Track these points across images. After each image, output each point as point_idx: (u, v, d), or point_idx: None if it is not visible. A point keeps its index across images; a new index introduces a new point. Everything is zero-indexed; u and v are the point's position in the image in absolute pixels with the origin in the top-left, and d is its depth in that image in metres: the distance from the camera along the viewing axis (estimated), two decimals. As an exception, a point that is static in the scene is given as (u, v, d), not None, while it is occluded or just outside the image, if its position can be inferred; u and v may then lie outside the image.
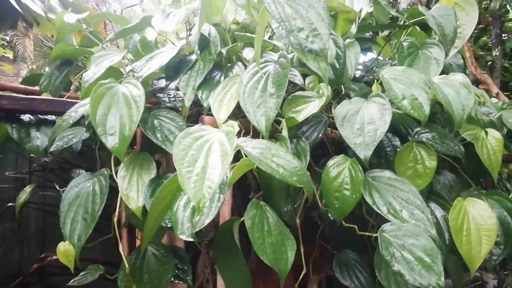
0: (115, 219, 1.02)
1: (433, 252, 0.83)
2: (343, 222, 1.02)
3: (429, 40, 1.34)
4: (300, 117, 1.03)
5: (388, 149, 1.16)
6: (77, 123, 1.19)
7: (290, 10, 0.97)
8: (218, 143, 0.77)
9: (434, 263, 0.81)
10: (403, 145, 1.12)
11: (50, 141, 1.18)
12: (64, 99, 1.42)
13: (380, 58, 1.83)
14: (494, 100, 1.99)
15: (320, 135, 1.17)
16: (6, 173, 2.03)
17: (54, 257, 1.42)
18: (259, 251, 0.81)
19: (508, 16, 2.88)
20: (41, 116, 1.42)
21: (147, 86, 1.27)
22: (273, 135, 1.09)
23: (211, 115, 1.07)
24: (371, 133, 0.98)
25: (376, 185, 1.01)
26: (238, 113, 1.18)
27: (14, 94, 1.57)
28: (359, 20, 1.41)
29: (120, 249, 1.00)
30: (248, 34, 1.20)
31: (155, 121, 1.13)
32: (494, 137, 1.18)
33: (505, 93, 3.03)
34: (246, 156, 0.83)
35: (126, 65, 1.38)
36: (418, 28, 1.53)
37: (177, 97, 1.23)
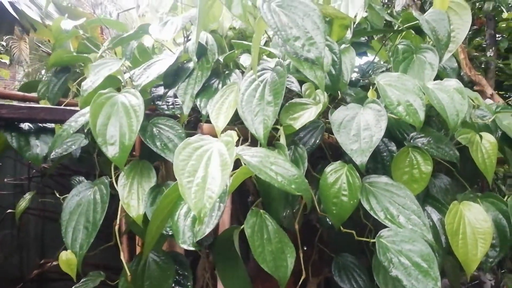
0: (116, 227, 1.03)
1: (429, 257, 0.84)
2: (341, 228, 1.04)
3: (423, 45, 1.36)
4: (298, 125, 1.05)
5: (385, 154, 1.18)
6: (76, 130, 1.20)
7: (286, 19, 0.98)
8: (218, 153, 0.78)
9: (431, 268, 0.83)
10: (399, 150, 1.14)
11: (50, 151, 1.19)
12: (63, 107, 1.43)
13: (376, 60, 1.85)
14: (488, 101, 2.01)
15: (318, 141, 1.19)
16: (5, 179, 2.03)
17: (54, 262, 1.43)
18: (259, 259, 0.83)
19: (501, 16, 2.91)
20: (40, 124, 1.43)
21: (146, 93, 1.28)
22: (271, 141, 1.11)
23: (210, 121, 1.09)
24: (367, 139, 1.00)
25: (373, 190, 1.02)
26: (236, 120, 1.20)
27: (13, 103, 1.58)
28: (354, 25, 1.43)
29: (122, 257, 1.01)
30: (244, 42, 1.22)
31: (154, 129, 1.15)
32: (488, 141, 1.20)
33: (500, 92, 3.07)
34: (245, 164, 0.84)
35: (124, 73, 1.39)
36: (413, 32, 1.55)
37: (176, 105, 1.24)
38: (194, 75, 1.19)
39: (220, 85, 1.20)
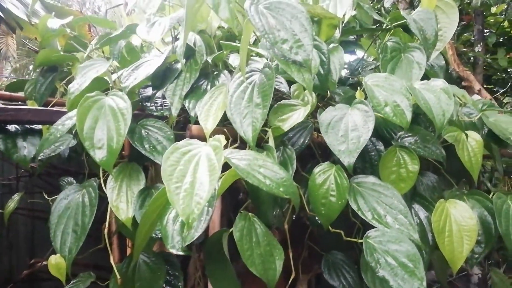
0: (106, 231, 1.03)
1: (415, 257, 0.86)
2: (330, 228, 1.05)
3: (411, 43, 1.37)
4: (286, 126, 1.06)
5: (373, 153, 1.19)
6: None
7: (273, 21, 0.98)
8: (206, 158, 0.78)
9: (417, 268, 0.85)
10: (386, 150, 1.15)
11: (37, 154, 1.18)
12: (50, 108, 1.42)
13: (366, 56, 1.85)
14: (476, 97, 2.04)
15: (306, 141, 1.19)
16: (-7, 179, 2.01)
17: (44, 262, 1.42)
18: (248, 262, 0.84)
19: (490, 11, 2.93)
20: (27, 126, 1.41)
21: (134, 95, 1.28)
22: (260, 143, 1.11)
23: (199, 123, 1.09)
24: (355, 140, 1.01)
25: (361, 190, 1.03)
26: (225, 120, 1.20)
27: (0, 103, 1.56)
28: (343, 24, 1.43)
29: (111, 260, 1.01)
30: (233, 43, 1.21)
31: (143, 131, 1.14)
32: (474, 139, 1.22)
33: (488, 86, 3.10)
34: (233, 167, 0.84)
35: (112, 73, 1.38)
36: (401, 29, 1.56)
37: (164, 106, 1.24)
38: (183, 76, 1.18)
39: (209, 86, 1.20)
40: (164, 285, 1.17)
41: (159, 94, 1.25)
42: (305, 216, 1.48)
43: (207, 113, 1.08)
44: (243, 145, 1.09)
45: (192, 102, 1.16)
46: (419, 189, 1.26)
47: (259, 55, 1.29)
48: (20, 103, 1.68)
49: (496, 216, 1.13)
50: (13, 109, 1.33)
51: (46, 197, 1.42)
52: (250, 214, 0.92)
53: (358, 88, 1.18)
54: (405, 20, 1.35)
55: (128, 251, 1.40)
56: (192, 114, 1.14)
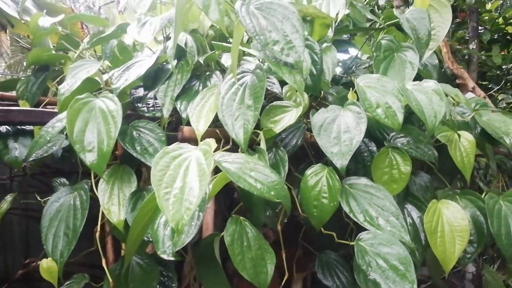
0: (97, 234, 1.02)
1: (406, 260, 0.86)
2: (322, 229, 1.05)
3: (404, 43, 1.36)
4: (278, 128, 1.05)
5: (365, 154, 1.19)
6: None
7: (265, 22, 0.98)
8: (196, 163, 0.78)
9: (408, 271, 0.85)
10: (379, 151, 1.15)
11: (28, 156, 1.17)
12: (41, 109, 1.41)
13: (360, 55, 1.85)
14: (470, 94, 2.04)
15: (299, 141, 1.19)
16: (-14, 179, 2.00)
17: (39, 262, 1.42)
18: (239, 267, 0.83)
19: (485, 8, 2.93)
20: (18, 127, 1.40)
21: (125, 95, 1.27)
22: (252, 144, 1.11)
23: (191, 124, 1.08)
24: (347, 142, 1.01)
25: (353, 192, 1.03)
26: (218, 121, 1.19)
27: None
28: (336, 23, 1.43)
29: (103, 264, 1.01)
30: (224, 44, 1.20)
31: (134, 133, 1.13)
32: (467, 139, 1.22)
33: (483, 83, 3.11)
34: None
35: (104, 73, 1.36)
36: (395, 28, 1.56)
37: (156, 107, 1.23)
38: (174, 77, 1.18)
39: (200, 87, 1.19)
40: (158, 286, 1.17)
41: (151, 94, 1.25)
42: (299, 215, 1.48)
43: (198, 115, 1.07)
44: (235, 146, 1.08)
45: (183, 103, 1.15)
46: (412, 189, 1.26)
47: (252, 54, 1.28)
48: (12, 102, 1.67)
49: (488, 216, 1.13)
50: (4, 110, 1.32)
51: (39, 198, 1.41)
52: (241, 218, 0.92)
53: (351, 89, 1.17)
54: (399, 19, 1.35)
55: (123, 252, 1.40)
56: (183, 115, 1.13)
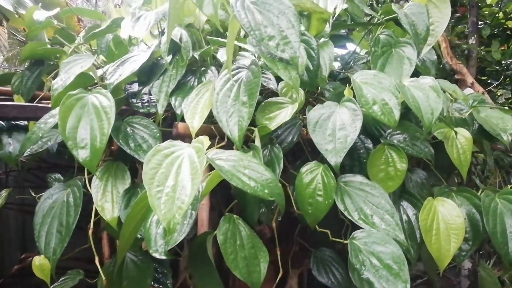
0: (90, 231, 1.02)
1: (400, 259, 0.86)
2: (317, 227, 1.05)
3: (402, 39, 1.35)
4: (273, 125, 1.04)
5: (361, 151, 1.18)
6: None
7: (260, 17, 0.96)
8: (188, 160, 0.77)
9: (401, 270, 0.84)
10: (375, 148, 1.14)
11: (21, 152, 1.16)
12: (35, 104, 1.39)
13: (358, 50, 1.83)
14: (468, 90, 2.03)
15: (295, 138, 1.18)
16: (-18, 174, 1.99)
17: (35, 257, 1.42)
18: (231, 266, 0.83)
19: (485, 2, 2.90)
20: (12, 122, 1.39)
21: (120, 91, 1.25)
22: (248, 141, 1.10)
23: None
24: (342, 140, 1.00)
25: (348, 190, 1.03)
26: (213, 117, 1.18)
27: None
28: (334, 18, 1.41)
29: (96, 262, 1.00)
30: (220, 39, 1.19)
31: (128, 129, 1.12)
32: (464, 136, 1.21)
33: (482, 78, 3.09)
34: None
35: (98, 68, 1.35)
36: (393, 23, 1.54)
37: (151, 102, 1.21)
38: (169, 72, 1.16)
39: (195, 83, 1.18)
40: (152, 283, 1.16)
41: (146, 90, 1.23)
42: (295, 212, 1.47)
43: (193, 111, 1.06)
44: (230, 143, 1.07)
45: (178, 99, 1.14)
46: (408, 186, 1.25)
47: (248, 49, 1.27)
48: (7, 97, 1.66)
49: (483, 214, 1.13)
50: (-3, 105, 1.31)
51: (33, 194, 1.40)
52: (234, 216, 0.91)
53: (347, 85, 1.16)
54: (397, 14, 1.33)
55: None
56: (178, 111, 1.12)
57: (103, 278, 0.97)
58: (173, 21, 0.99)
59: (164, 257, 0.87)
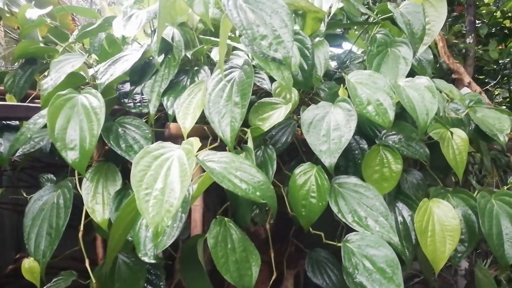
0: (80, 234, 1.00)
1: (394, 263, 0.85)
2: (311, 229, 1.03)
3: (397, 38, 1.33)
4: (266, 126, 1.03)
5: (356, 152, 1.17)
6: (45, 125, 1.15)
7: (253, 16, 0.94)
8: (178, 162, 0.75)
9: (395, 274, 0.83)
10: (370, 149, 1.13)
11: (9, 152, 1.14)
12: (26, 104, 1.38)
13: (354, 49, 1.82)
14: (465, 90, 2.02)
15: (289, 139, 1.17)
16: (-25, 174, 1.97)
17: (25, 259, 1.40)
18: (222, 270, 0.81)
19: (483, 1, 2.89)
20: (3, 122, 1.37)
21: (112, 90, 1.23)
22: (241, 142, 1.08)
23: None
24: (336, 140, 0.98)
25: (342, 191, 1.01)
26: (206, 117, 1.16)
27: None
28: (329, 17, 1.39)
29: (87, 264, 0.99)
30: (212, 38, 1.17)
31: (120, 129, 1.11)
32: (459, 137, 1.20)
33: (479, 77, 3.08)
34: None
35: (91, 67, 1.33)
36: (390, 22, 1.52)
37: (143, 102, 1.20)
38: (161, 72, 1.14)
39: (188, 83, 1.16)
40: (145, 284, 1.15)
41: (138, 90, 1.21)
42: (290, 213, 1.46)
43: (185, 111, 1.04)
44: (223, 144, 1.06)
45: (170, 99, 1.12)
46: (404, 187, 1.24)
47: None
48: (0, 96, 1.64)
49: (479, 216, 1.11)
50: (-13, 105, 1.29)
51: (25, 194, 1.39)
52: (226, 219, 0.90)
53: (342, 85, 1.15)
54: (393, 13, 1.32)
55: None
56: (170, 112, 1.10)
57: (93, 281, 0.95)
58: (164, 20, 0.97)
59: (153, 261, 0.85)
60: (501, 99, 3.43)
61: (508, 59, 2.86)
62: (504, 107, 3.12)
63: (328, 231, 1.12)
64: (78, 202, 1.09)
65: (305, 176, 1.01)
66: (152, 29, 1.24)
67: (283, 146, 1.17)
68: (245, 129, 1.02)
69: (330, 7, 1.37)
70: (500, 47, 2.88)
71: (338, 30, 1.68)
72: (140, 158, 0.76)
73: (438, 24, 1.39)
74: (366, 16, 1.73)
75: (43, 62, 1.72)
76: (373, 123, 1.20)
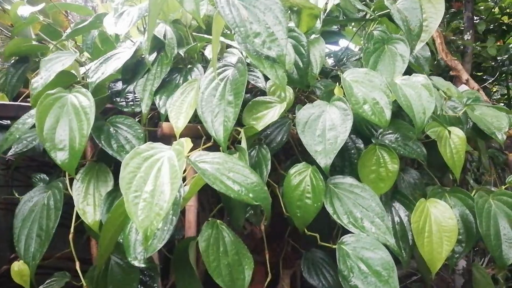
0: (71, 236, 0.98)
1: (389, 266, 0.83)
2: (306, 230, 1.02)
3: (394, 35, 1.31)
4: (260, 125, 1.01)
5: (352, 151, 1.15)
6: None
7: (246, 12, 0.92)
8: (168, 164, 0.73)
9: (390, 277, 0.82)
10: (366, 148, 1.11)
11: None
12: (18, 103, 1.35)
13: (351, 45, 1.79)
14: (463, 87, 2.00)
15: (285, 138, 1.15)
16: (-31, 173, 1.94)
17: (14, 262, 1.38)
18: (214, 274, 0.80)
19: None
20: (-6, 121, 1.35)
21: (103, 89, 1.21)
22: (235, 141, 1.06)
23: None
24: (332, 140, 0.96)
25: (338, 192, 1.00)
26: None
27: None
28: (325, 14, 1.37)
29: (77, 267, 0.97)
30: (205, 36, 1.15)
31: (111, 129, 1.08)
32: (457, 136, 1.18)
33: (478, 73, 3.06)
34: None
35: (83, 66, 1.31)
36: (387, 19, 1.50)
37: (136, 101, 1.18)
38: (153, 70, 1.12)
39: (181, 81, 1.14)
40: (139, 286, 1.13)
41: (130, 88, 1.19)
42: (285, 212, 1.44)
43: (178, 110, 1.02)
44: (217, 143, 1.03)
45: (163, 98, 1.10)
46: (401, 186, 1.22)
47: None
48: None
49: (477, 216, 1.10)
50: (-23, 104, 1.27)
51: (17, 195, 1.37)
52: (218, 221, 0.88)
53: (337, 84, 1.13)
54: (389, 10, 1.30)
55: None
56: (162, 111, 1.08)
57: (84, 284, 0.93)
58: (154, 17, 0.95)
59: (143, 265, 0.84)
60: (499, 96, 3.41)
61: (506, 56, 2.84)
62: (502, 104, 3.10)
63: (325, 232, 1.10)
64: (73, 202, 1.07)
65: (300, 176, 1.00)
66: (145, 26, 1.21)
67: (278, 145, 1.15)
68: (239, 128, 1.00)
69: (326, 4, 1.34)
70: (498, 44, 2.86)
71: (335, 27, 1.66)
72: (129, 159, 0.74)
73: (435, 20, 1.36)
74: (364, 13, 1.71)
75: (35, 60, 1.70)
76: (369, 121, 1.18)
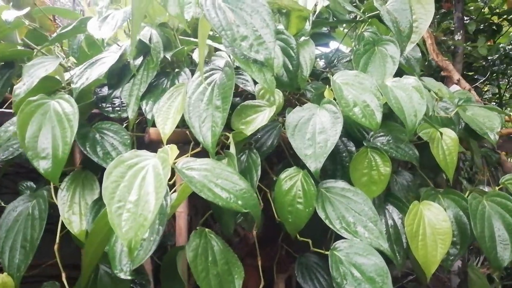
0: (56, 247, 0.95)
1: (383, 272, 0.81)
2: (298, 236, 1.00)
3: (384, 36, 1.30)
4: (250, 130, 0.99)
5: (344, 154, 1.13)
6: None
7: (232, 15, 0.90)
8: (153, 172, 0.71)
9: (384, 283, 0.80)
10: (358, 151, 1.09)
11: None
12: (1, 110, 1.32)
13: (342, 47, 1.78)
14: (455, 87, 2.00)
15: (275, 142, 1.13)
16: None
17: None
18: (202, 284, 0.77)
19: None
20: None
21: (89, 95, 1.18)
22: (224, 147, 1.04)
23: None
24: (322, 144, 0.95)
25: (330, 196, 0.98)
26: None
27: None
28: (315, 16, 1.36)
29: (63, 279, 0.94)
30: (192, 39, 1.13)
31: (97, 135, 1.06)
32: (449, 137, 1.17)
33: (469, 73, 3.07)
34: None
35: (68, 71, 1.28)
36: (377, 20, 1.49)
37: (122, 107, 1.15)
38: (140, 75, 1.10)
39: (168, 85, 1.11)
40: (131, 294, 1.10)
41: (116, 93, 1.16)
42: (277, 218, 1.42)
43: (165, 116, 1.00)
44: (205, 149, 1.01)
45: (149, 103, 1.07)
46: (394, 189, 1.21)
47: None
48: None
49: (471, 218, 1.09)
50: (-41, 112, 1.23)
51: (3, 204, 1.33)
52: (206, 230, 0.86)
53: (327, 86, 1.11)
54: (379, 11, 1.28)
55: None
56: (149, 116, 1.06)
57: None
58: (138, 21, 0.92)
59: (129, 277, 0.81)
60: (491, 95, 3.42)
61: (497, 56, 2.85)
62: (494, 103, 3.11)
63: (318, 236, 1.08)
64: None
65: (291, 181, 0.98)
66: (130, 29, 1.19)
67: (269, 149, 1.13)
68: (228, 133, 0.98)
69: (315, 5, 1.33)
70: (488, 44, 2.87)
71: (325, 29, 1.64)
72: (113, 168, 0.71)
73: (425, 21, 1.36)
74: (354, 15, 1.70)
75: (21, 65, 1.66)
76: (361, 124, 1.16)
